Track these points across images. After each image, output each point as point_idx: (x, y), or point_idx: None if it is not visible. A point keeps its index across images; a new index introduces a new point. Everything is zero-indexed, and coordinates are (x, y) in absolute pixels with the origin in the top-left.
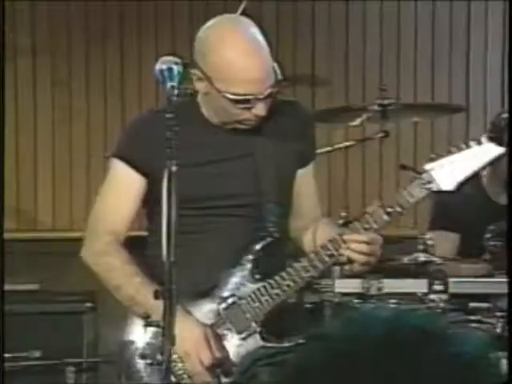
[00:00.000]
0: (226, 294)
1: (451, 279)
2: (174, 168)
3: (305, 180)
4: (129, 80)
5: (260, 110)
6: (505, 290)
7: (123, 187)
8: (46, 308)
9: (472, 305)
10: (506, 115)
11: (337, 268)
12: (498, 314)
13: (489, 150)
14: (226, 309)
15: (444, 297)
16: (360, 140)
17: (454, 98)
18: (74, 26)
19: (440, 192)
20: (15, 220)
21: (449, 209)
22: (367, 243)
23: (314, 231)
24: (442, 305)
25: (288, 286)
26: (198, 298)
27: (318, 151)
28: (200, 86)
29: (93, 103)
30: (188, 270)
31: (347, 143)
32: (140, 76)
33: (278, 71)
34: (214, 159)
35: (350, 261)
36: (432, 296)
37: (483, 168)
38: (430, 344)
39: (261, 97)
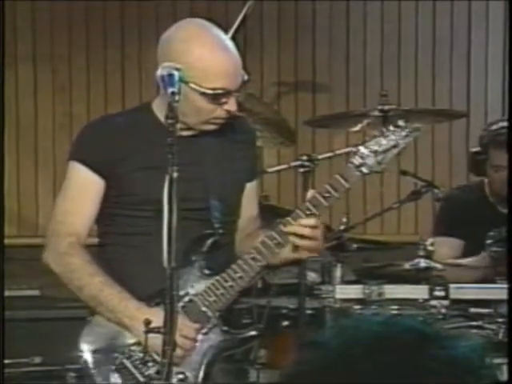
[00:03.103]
0: (180, 292)
1: (452, 285)
2: (175, 174)
3: (249, 193)
4: (129, 86)
5: (232, 105)
6: (506, 295)
7: (83, 190)
8: (46, 314)
9: (473, 311)
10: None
11: (338, 274)
12: (500, 319)
13: (409, 133)
14: (183, 307)
15: (445, 303)
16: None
17: (455, 103)
18: (74, 33)
19: (440, 197)
20: (16, 226)
21: (452, 215)
22: (311, 227)
23: (258, 236)
24: (443, 310)
25: (240, 277)
26: (152, 303)
27: (320, 157)
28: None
29: (93, 109)
30: (142, 271)
31: (348, 149)
32: (140, 82)
33: (243, 71)
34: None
35: (296, 247)
36: (433, 302)
37: (404, 148)
38: (424, 346)
39: (234, 91)
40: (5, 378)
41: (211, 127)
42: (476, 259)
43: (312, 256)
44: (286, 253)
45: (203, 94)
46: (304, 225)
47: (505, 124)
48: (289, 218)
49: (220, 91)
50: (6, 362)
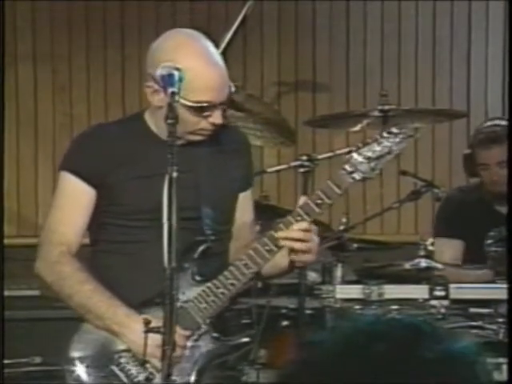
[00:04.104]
0: None
1: (452, 285)
2: (174, 174)
3: (243, 203)
4: (129, 86)
5: (217, 118)
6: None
7: (74, 200)
8: (46, 314)
9: (473, 311)
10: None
11: (338, 274)
12: (500, 320)
13: (403, 139)
14: None
15: (445, 303)
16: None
17: (455, 103)
18: (74, 32)
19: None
20: (16, 225)
21: (452, 216)
22: (303, 230)
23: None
24: (443, 310)
25: (232, 284)
26: (145, 306)
27: (320, 157)
28: (155, 99)
29: (93, 109)
30: (133, 279)
31: (348, 149)
32: (141, 82)
33: (231, 82)
34: (160, 173)
35: (291, 253)
36: (433, 302)
37: (398, 154)
38: (419, 341)
39: (220, 104)
40: (5, 378)
41: (198, 138)
42: (478, 274)
43: (308, 262)
44: (283, 260)
45: (187, 106)
46: (296, 229)
47: (489, 123)
48: (280, 225)
49: (204, 104)
50: (6, 362)
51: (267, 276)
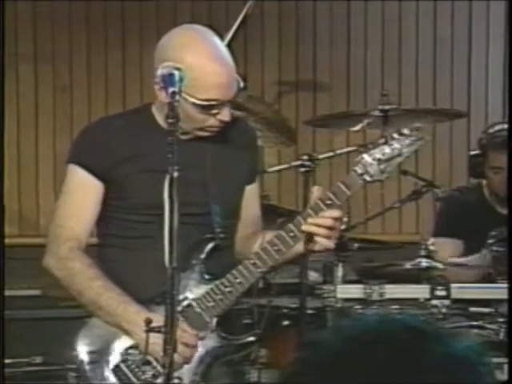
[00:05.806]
0: (179, 297)
1: (454, 284)
2: (175, 173)
3: (250, 195)
4: (130, 86)
5: (225, 115)
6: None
7: (83, 193)
8: (47, 313)
9: (474, 310)
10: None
11: (339, 274)
12: (501, 319)
13: (413, 141)
14: (181, 311)
15: (446, 302)
16: (361, 145)
17: (456, 103)
18: (75, 33)
19: (440, 198)
20: (17, 225)
21: (452, 216)
22: (334, 219)
23: (259, 237)
24: (444, 310)
25: (240, 283)
26: (153, 303)
27: (320, 157)
28: (163, 96)
29: (94, 109)
30: (139, 274)
31: (348, 149)
32: (141, 82)
33: (239, 78)
34: (167, 168)
35: (310, 241)
36: (434, 301)
37: (408, 157)
38: (422, 342)
39: (228, 101)
40: (5, 378)
41: (206, 134)
42: (477, 257)
43: (327, 248)
44: (298, 246)
45: (194, 104)
46: (328, 216)
47: (503, 126)
48: (290, 225)
49: (212, 102)
50: (7, 361)
51: (280, 262)
